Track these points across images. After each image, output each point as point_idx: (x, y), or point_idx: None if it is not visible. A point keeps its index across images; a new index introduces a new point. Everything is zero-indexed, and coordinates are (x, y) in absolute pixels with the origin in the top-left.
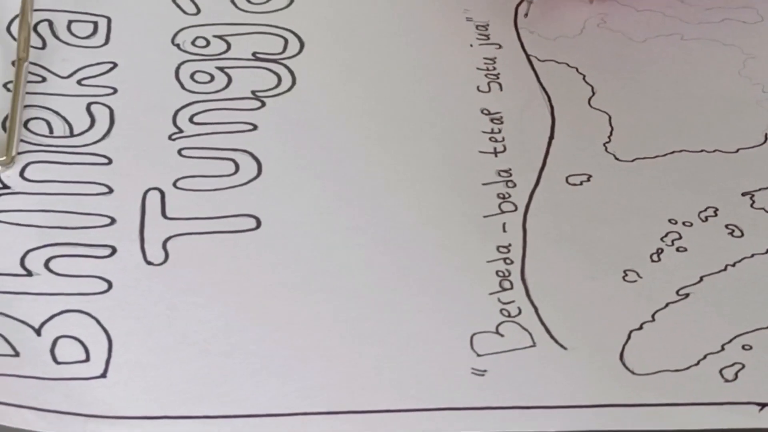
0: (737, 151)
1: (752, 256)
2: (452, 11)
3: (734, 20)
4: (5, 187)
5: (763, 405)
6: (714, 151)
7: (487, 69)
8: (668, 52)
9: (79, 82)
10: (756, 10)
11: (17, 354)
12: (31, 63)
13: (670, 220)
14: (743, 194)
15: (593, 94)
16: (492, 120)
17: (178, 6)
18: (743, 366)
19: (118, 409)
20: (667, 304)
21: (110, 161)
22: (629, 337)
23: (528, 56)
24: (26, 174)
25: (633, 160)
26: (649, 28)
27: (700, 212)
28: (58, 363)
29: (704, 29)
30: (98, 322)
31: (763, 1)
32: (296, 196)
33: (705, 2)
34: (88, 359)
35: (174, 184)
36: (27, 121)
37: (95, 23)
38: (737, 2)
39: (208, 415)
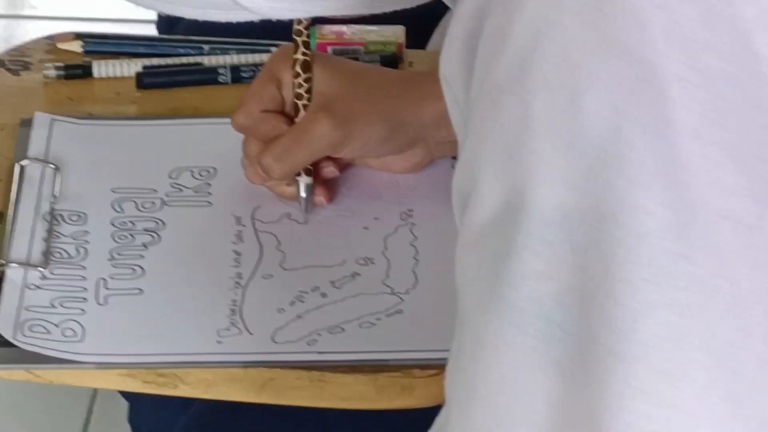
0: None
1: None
2: (227, 214)
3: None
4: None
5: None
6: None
7: (238, 236)
8: (320, 229)
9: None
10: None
11: (49, 332)
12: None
13: (300, 291)
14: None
15: (279, 243)
16: (237, 255)
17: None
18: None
19: (85, 350)
20: (287, 323)
21: (84, 268)
22: (276, 332)
23: (255, 230)
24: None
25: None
26: (312, 214)
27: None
28: (65, 335)
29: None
30: (80, 324)
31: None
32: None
33: (343, 206)
34: (76, 335)
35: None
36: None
37: (79, 215)
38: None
39: (127, 353)
